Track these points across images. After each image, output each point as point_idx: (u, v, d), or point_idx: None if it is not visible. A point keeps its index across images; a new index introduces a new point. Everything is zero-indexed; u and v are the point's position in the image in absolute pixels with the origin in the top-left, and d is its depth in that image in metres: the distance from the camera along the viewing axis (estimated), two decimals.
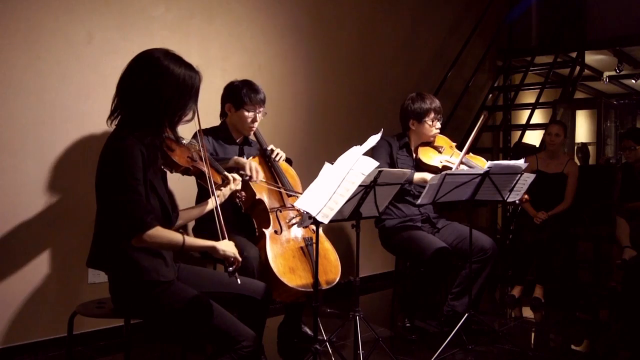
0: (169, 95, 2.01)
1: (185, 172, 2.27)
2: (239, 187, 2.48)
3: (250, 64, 4.04)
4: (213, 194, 2.24)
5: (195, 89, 2.08)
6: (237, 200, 2.54)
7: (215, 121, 3.20)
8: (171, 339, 3.36)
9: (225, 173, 2.48)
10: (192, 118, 2.14)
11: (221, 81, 3.21)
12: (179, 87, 2.03)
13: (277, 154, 3.18)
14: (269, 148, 3.19)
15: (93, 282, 3.22)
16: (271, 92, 3.91)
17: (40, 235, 3.06)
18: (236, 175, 2.51)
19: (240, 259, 2.13)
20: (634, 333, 3.88)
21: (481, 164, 3.56)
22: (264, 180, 2.98)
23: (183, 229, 2.94)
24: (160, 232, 1.97)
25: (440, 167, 3.45)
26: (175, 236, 2.03)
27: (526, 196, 3.43)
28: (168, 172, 2.22)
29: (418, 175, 3.34)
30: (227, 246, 2.11)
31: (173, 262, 2.16)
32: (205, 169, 2.27)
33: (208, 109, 3.27)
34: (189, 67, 2.07)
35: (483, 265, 3.42)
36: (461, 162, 3.39)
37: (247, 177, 2.87)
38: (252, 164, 2.92)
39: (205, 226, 2.88)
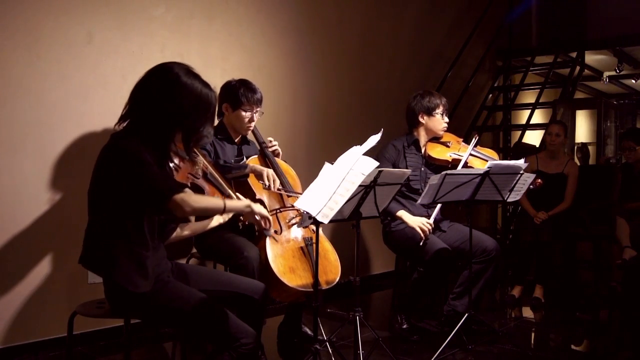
0: (188, 109, 2.00)
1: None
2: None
3: (250, 64, 4.04)
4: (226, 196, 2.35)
5: (212, 107, 2.09)
6: (240, 223, 2.61)
7: None
8: (171, 338, 3.37)
9: (230, 192, 2.51)
10: (209, 142, 2.14)
11: (221, 81, 3.20)
12: (198, 103, 2.02)
13: (274, 146, 3.21)
14: (266, 140, 3.22)
15: (93, 282, 3.22)
16: (271, 92, 3.91)
17: (40, 235, 3.06)
18: (240, 196, 2.57)
19: (270, 217, 2.34)
20: (634, 333, 3.88)
21: (491, 154, 3.60)
22: (281, 188, 2.99)
23: (188, 241, 2.96)
24: (193, 195, 2.01)
25: (450, 160, 3.49)
26: (214, 199, 2.15)
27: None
28: None
29: (400, 213, 3.38)
30: (259, 207, 2.29)
31: (153, 273, 2.03)
32: (205, 187, 2.31)
33: None
34: (206, 85, 2.07)
35: (486, 266, 3.42)
36: (470, 154, 3.44)
37: (266, 186, 2.89)
38: (269, 172, 2.95)
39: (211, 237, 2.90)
